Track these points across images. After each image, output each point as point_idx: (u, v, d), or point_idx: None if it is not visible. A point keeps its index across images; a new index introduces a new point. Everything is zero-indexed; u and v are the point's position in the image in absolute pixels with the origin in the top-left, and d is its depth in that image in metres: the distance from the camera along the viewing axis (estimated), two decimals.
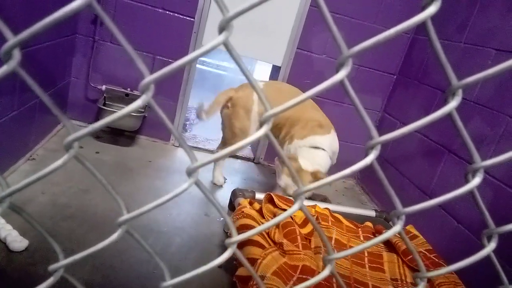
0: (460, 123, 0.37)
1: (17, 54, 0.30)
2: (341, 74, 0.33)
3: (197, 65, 2.82)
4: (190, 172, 0.36)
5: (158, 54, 2.62)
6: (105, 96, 2.61)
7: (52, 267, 0.36)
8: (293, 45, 2.70)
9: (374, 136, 0.36)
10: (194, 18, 2.56)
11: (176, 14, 2.54)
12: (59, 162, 0.32)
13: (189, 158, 0.34)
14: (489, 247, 0.42)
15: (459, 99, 0.35)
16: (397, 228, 0.40)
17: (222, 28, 0.30)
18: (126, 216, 0.36)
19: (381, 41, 0.30)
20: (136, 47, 2.56)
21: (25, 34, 0.29)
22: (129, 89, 2.66)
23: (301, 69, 2.75)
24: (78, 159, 0.33)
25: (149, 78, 0.31)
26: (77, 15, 2.48)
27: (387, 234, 0.41)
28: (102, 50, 2.58)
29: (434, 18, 0.31)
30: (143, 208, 0.36)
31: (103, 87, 2.60)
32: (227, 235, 1.96)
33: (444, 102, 0.36)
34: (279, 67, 2.77)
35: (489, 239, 0.43)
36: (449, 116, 0.36)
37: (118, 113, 0.31)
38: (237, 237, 0.38)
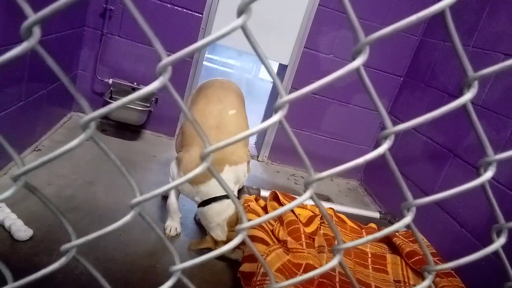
0: (474, 116, 0.36)
1: (37, 32, 0.30)
2: (358, 62, 0.33)
3: (204, 62, 2.82)
4: (204, 157, 0.36)
5: (166, 49, 2.61)
6: (111, 90, 2.62)
7: (64, 247, 0.36)
8: (300, 44, 2.69)
9: (388, 126, 0.36)
10: (202, 13, 2.56)
11: (184, 9, 2.55)
12: (75, 141, 0.32)
13: (202, 141, 0.35)
14: (498, 242, 0.42)
15: (475, 91, 0.35)
16: (407, 220, 0.40)
17: (241, 11, 0.30)
18: (139, 198, 0.36)
19: (400, 28, 0.30)
20: (143, 41, 2.57)
21: (46, 11, 0.29)
22: (135, 83, 2.67)
23: (308, 68, 2.75)
24: (94, 139, 0.33)
25: (166, 59, 0.32)
26: (86, 8, 2.49)
27: (397, 225, 0.41)
28: (110, 43, 2.58)
29: (443, 20, 0.31)
30: (155, 190, 0.37)
31: (110, 81, 2.61)
32: None
33: (460, 94, 0.36)
34: (286, 66, 2.77)
35: (499, 234, 0.43)
36: (463, 107, 0.36)
37: (136, 94, 0.31)
38: (248, 223, 0.38)
